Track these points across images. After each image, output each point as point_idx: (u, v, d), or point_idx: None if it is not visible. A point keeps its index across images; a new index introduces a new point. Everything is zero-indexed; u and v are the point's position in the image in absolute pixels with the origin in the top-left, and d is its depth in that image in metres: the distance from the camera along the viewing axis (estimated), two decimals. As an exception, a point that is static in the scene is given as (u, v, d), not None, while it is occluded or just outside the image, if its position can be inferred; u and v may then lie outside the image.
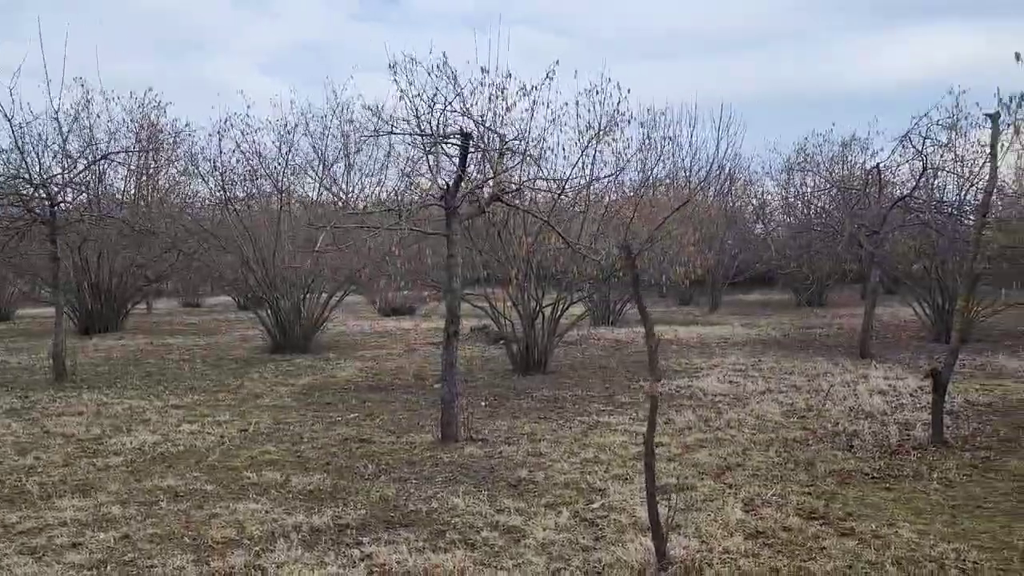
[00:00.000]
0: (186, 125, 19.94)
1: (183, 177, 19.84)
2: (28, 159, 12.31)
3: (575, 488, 6.05)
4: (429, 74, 8.33)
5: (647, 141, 13.88)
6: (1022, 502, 5.58)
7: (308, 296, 15.08)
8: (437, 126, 7.96)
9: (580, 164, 11.77)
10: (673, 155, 25.66)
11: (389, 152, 15.64)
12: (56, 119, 13.64)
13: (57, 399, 10.08)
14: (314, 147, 15.85)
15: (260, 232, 15.05)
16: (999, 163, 9.10)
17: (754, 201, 28.70)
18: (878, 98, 44.41)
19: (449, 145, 7.91)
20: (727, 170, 28.01)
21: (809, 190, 22.52)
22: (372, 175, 16.44)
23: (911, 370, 11.31)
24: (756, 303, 26.83)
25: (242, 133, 14.98)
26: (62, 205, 12.32)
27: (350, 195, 16.54)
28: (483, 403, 9.60)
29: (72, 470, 6.73)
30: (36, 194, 11.63)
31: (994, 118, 8.05)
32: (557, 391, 10.36)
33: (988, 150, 8.89)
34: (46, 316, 22.49)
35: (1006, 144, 10.06)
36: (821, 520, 5.25)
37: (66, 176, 13.08)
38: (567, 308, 12.40)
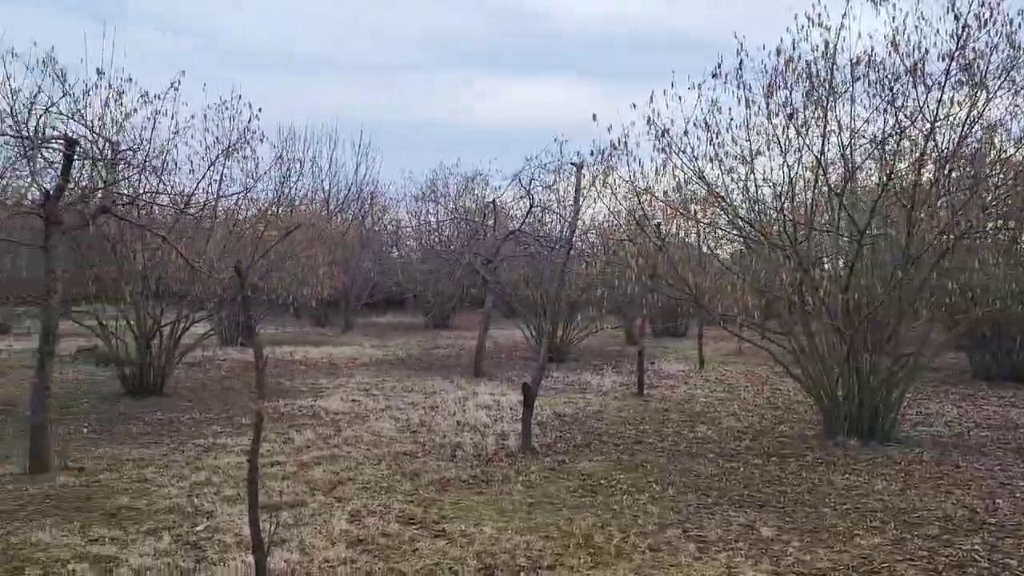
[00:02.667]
0: None
1: None
2: None
3: (180, 512, 5.89)
4: (30, 70, 7.64)
5: (279, 160, 13.87)
6: (584, 497, 6.55)
7: None
8: (37, 127, 7.30)
9: (207, 179, 11.46)
10: (313, 176, 25.86)
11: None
12: None
13: None
14: None
15: None
16: (590, 205, 10.59)
17: (390, 226, 29.81)
18: (502, 137, 48.51)
19: (51, 150, 7.29)
20: (366, 194, 28.89)
21: (436, 219, 23.95)
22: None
23: (514, 387, 12.55)
24: (388, 325, 27.77)
25: None
26: None
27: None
28: (85, 429, 8.88)
29: None
30: None
31: (578, 167, 9.39)
32: (173, 414, 9.90)
33: (583, 193, 10.28)
34: None
35: (597, 190, 11.70)
36: (418, 524, 5.71)
37: None
38: (189, 327, 11.90)
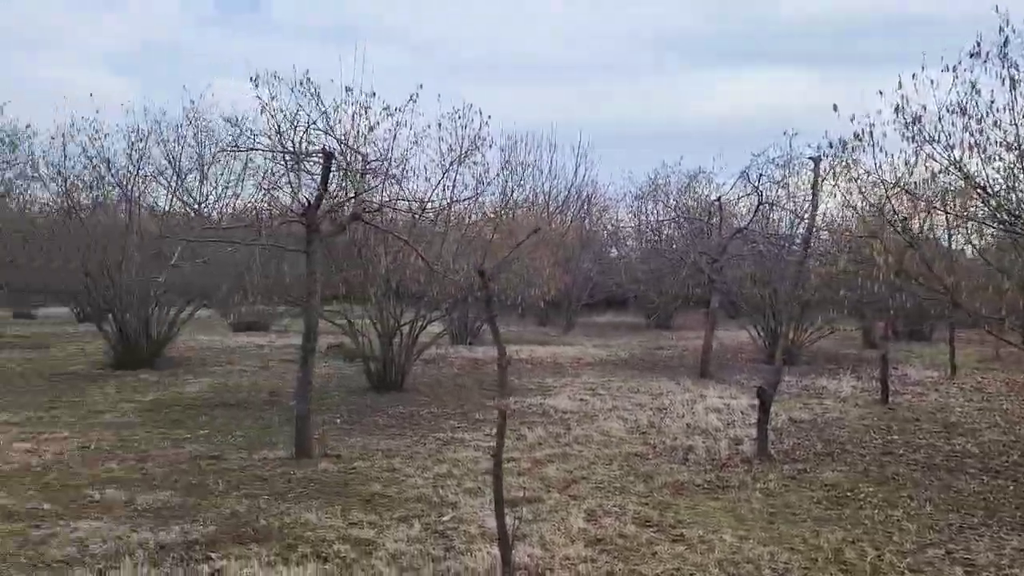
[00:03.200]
0: (27, 127, 18.58)
1: (19, 181, 18.66)
2: None
3: (427, 502, 6.23)
4: (292, 91, 8.37)
5: (506, 165, 14.28)
6: (830, 509, 6.20)
7: (156, 310, 14.53)
8: (300, 143, 8.01)
9: (441, 186, 12.04)
10: (533, 179, 26.46)
11: (246, 164, 15.33)
12: None
13: None
14: (168, 156, 15.33)
15: (106, 242, 14.38)
16: (823, 201, 10.04)
17: (609, 226, 29.85)
18: (723, 134, 47.15)
19: (311, 163, 7.97)
20: (585, 195, 29.14)
21: (658, 218, 23.66)
22: (228, 187, 16.05)
23: (744, 390, 12.14)
24: (609, 324, 27.82)
25: (90, 138, 14.32)
26: None
27: (204, 206, 16.07)
28: (338, 420, 9.63)
29: None
30: None
31: (816, 161, 8.90)
32: (413, 408, 10.50)
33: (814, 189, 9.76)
34: None
35: (831, 184, 11.05)
36: (655, 527, 5.66)
37: None
38: (425, 326, 12.57)
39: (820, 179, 9.53)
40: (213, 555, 4.96)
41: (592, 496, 6.43)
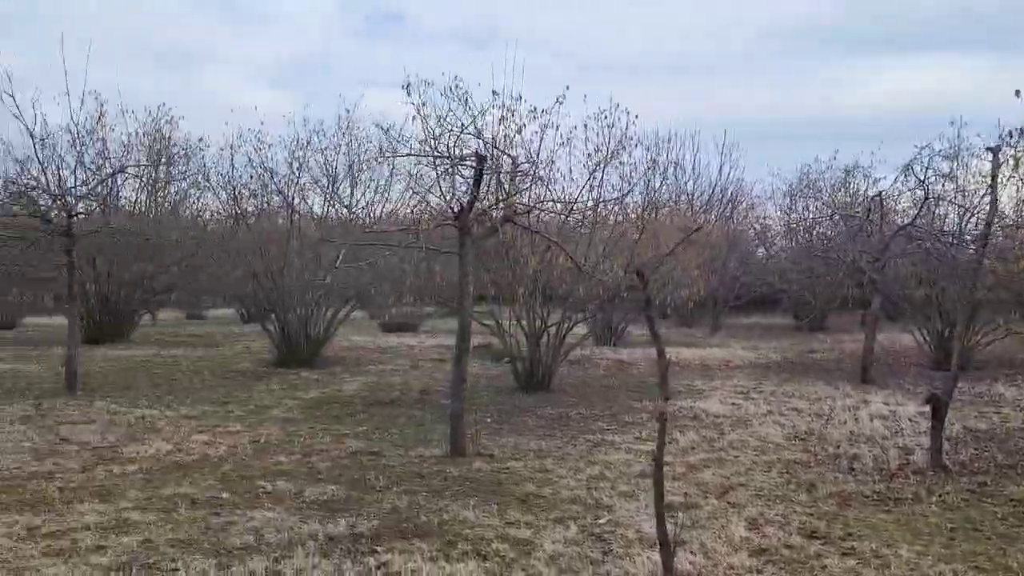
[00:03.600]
0: (200, 139, 19.87)
1: (192, 190, 20.10)
2: (48, 171, 12.44)
3: (582, 504, 6.20)
4: (443, 96, 8.54)
5: (653, 165, 14.08)
6: (1017, 526, 5.73)
7: (315, 311, 15.24)
8: (452, 147, 8.17)
9: (588, 186, 12.00)
10: (677, 179, 26.00)
11: (393, 169, 15.82)
12: (71, 132, 14.02)
13: (70, 407, 10.23)
14: (324, 164, 16.05)
15: (270, 246, 15.22)
16: (999, 194, 9.32)
17: (756, 225, 28.91)
18: (880, 125, 44.69)
19: (464, 166, 8.12)
20: (730, 194, 28.36)
21: (811, 216, 22.71)
22: (377, 191, 16.63)
23: (911, 396, 11.45)
24: (757, 326, 26.94)
25: (255, 149, 15.21)
26: (77, 216, 12.50)
27: (355, 211, 16.72)
28: (489, 419, 9.76)
29: (90, 476, 6.89)
30: (54, 205, 11.85)
31: (995, 151, 8.27)
32: (561, 409, 10.50)
33: (988, 181, 9.13)
34: (51, 325, 22.68)
35: (1006, 176, 10.28)
36: (823, 539, 5.40)
37: (83, 188, 13.33)
38: (571, 327, 12.55)
39: (998, 170, 8.87)
40: (378, 548, 5.12)
41: (752, 504, 6.21)
